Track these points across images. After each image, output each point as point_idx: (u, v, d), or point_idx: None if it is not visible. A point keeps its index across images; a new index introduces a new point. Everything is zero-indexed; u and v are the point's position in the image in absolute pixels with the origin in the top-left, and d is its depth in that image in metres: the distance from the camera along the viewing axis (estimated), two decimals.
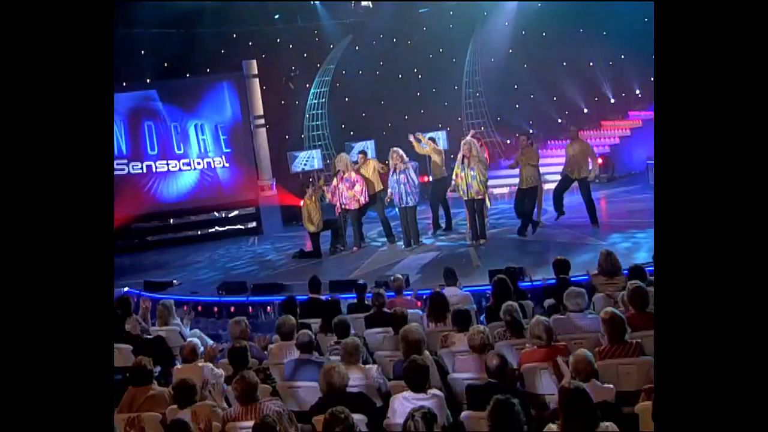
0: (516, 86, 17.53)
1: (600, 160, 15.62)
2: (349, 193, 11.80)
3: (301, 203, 12.58)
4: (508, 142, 16.64)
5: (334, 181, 12.04)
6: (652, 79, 16.41)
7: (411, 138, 12.50)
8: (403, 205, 11.55)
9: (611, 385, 4.88)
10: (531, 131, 12.39)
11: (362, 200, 11.87)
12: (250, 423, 4.76)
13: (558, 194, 11.69)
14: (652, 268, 7.31)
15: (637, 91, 17.15)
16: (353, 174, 11.88)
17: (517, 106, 17.44)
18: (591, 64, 16.95)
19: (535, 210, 11.65)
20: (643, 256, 9.00)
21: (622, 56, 16.67)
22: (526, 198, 11.47)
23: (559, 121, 16.71)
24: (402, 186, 11.38)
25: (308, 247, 12.71)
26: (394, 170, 11.49)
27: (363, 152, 13.00)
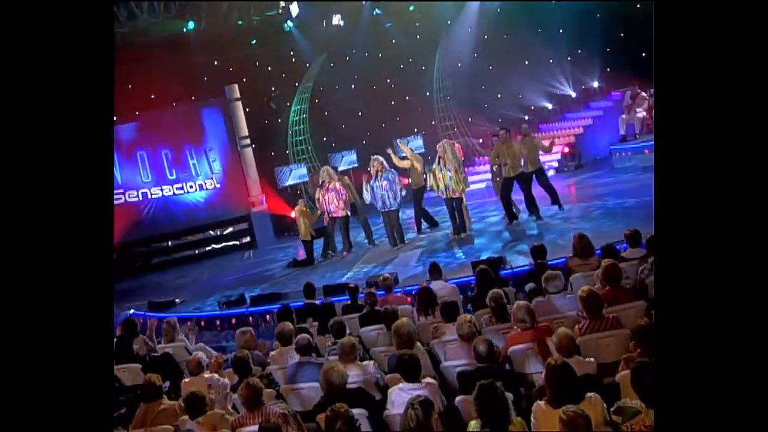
0: (483, 87, 17.59)
1: (566, 149, 15.77)
2: (336, 203, 11.86)
3: (293, 213, 12.55)
4: (481, 141, 16.66)
5: (321, 192, 12.09)
6: (609, 69, 16.57)
7: (389, 151, 12.46)
8: (386, 210, 11.59)
9: (592, 359, 4.91)
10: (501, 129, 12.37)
11: (348, 209, 11.94)
12: (257, 427, 4.76)
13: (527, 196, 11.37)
14: (626, 245, 7.37)
15: (595, 84, 17.21)
16: (338, 184, 11.93)
17: (485, 106, 17.51)
18: (551, 61, 17.02)
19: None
20: (614, 235, 9.01)
21: (579, 51, 16.75)
22: (523, 183, 11.29)
23: (526, 117, 16.72)
24: (385, 191, 11.43)
25: (300, 255, 12.70)
26: (376, 176, 11.55)
27: (327, 170, 13.04)
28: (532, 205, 11.30)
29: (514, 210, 11.61)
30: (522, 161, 11.18)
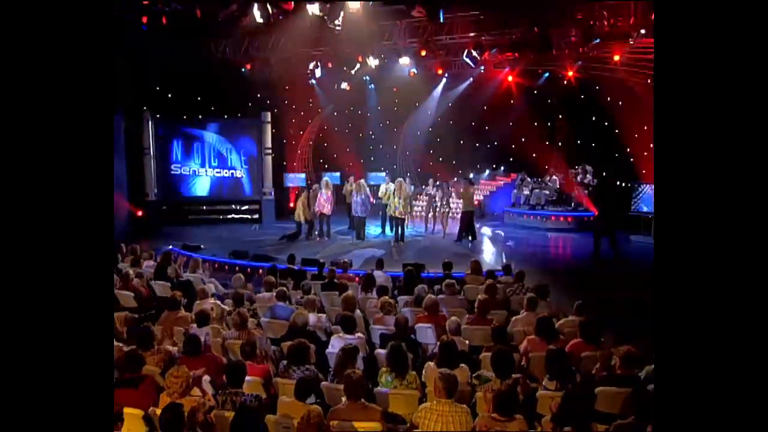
0: (431, 151, 17.69)
1: (479, 201, 15.95)
2: (324, 203, 11.92)
3: (299, 203, 12.40)
4: (423, 187, 16.63)
5: (318, 195, 12.10)
6: (511, 159, 16.82)
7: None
8: (356, 215, 11.72)
9: (467, 341, 5.03)
10: (467, 177, 13.04)
11: (331, 208, 11.98)
12: (240, 341, 4.75)
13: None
14: (502, 272, 7.54)
15: (503, 168, 17.38)
16: (329, 192, 12.01)
17: (430, 163, 17.63)
18: (477, 145, 17.23)
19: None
20: (497, 264, 9.24)
21: (495, 143, 17.01)
22: (467, 217, 11.63)
23: (455, 179, 16.74)
24: (358, 205, 11.58)
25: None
26: (356, 192, 11.73)
27: (326, 180, 13.02)
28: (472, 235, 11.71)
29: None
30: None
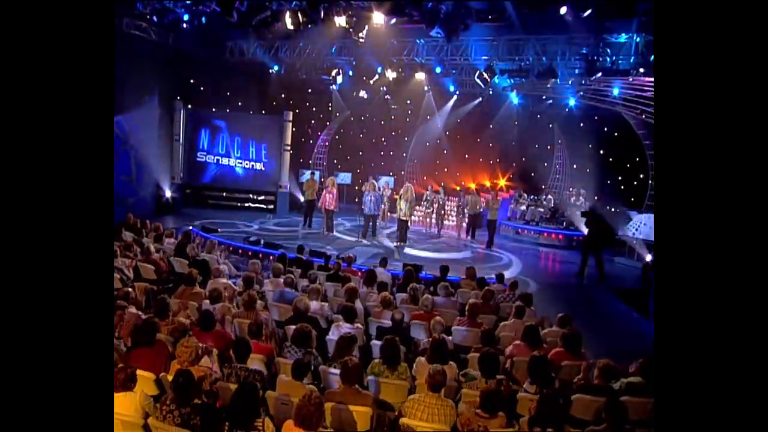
0: (438, 162, 17.70)
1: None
2: (330, 200, 11.91)
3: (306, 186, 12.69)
4: (427, 193, 16.61)
5: (324, 192, 12.11)
6: (511, 176, 16.80)
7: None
8: (368, 213, 11.75)
9: (451, 338, 5.01)
10: (496, 189, 13.41)
11: (335, 205, 11.98)
12: (248, 321, 4.75)
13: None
14: (494, 280, 7.51)
15: (502, 182, 17.39)
16: (335, 190, 12.02)
17: (435, 173, 17.63)
18: (480, 160, 17.17)
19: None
20: (488, 273, 9.19)
21: (498, 160, 16.93)
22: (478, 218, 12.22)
23: (458, 188, 16.74)
24: (370, 203, 11.58)
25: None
26: (367, 192, 11.76)
27: (332, 179, 12.99)
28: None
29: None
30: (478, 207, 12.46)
